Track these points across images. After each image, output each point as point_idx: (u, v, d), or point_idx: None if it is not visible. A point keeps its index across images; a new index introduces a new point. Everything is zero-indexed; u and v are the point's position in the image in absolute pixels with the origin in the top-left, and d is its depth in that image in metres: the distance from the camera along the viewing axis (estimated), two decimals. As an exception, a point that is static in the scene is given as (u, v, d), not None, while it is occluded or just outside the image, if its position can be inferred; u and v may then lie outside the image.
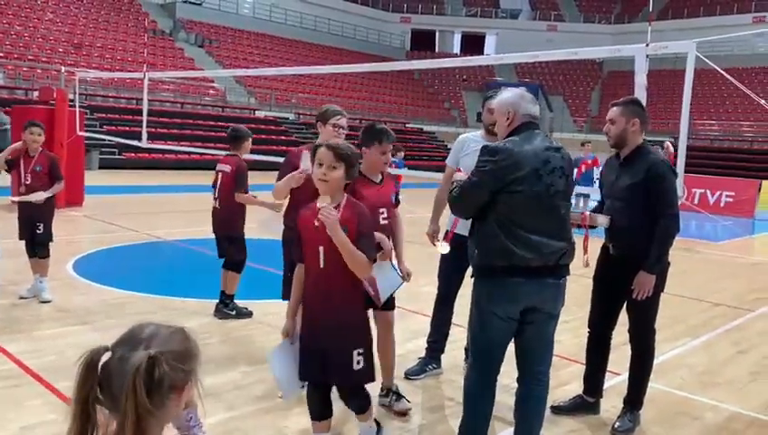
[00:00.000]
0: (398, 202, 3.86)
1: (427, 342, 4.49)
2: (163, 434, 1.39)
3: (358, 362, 2.90)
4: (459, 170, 3.46)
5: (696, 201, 16.38)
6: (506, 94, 3.14)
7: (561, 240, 2.96)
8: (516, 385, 3.19)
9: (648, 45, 4.25)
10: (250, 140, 5.68)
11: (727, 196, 17.43)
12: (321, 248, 2.87)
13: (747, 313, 6.73)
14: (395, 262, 3.66)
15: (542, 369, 3.13)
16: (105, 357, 1.35)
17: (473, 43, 44.56)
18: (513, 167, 2.87)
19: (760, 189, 17.61)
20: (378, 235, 3.56)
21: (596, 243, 3.84)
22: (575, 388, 4.10)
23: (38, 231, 5.64)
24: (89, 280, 6.44)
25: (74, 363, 1.36)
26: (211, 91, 28.90)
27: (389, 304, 3.73)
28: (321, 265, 2.89)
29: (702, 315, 6.52)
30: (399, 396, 3.82)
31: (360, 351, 2.92)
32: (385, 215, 3.63)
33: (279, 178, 4.09)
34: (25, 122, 5.81)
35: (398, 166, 12.16)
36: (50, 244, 5.75)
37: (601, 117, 36.94)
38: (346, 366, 2.90)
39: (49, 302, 5.57)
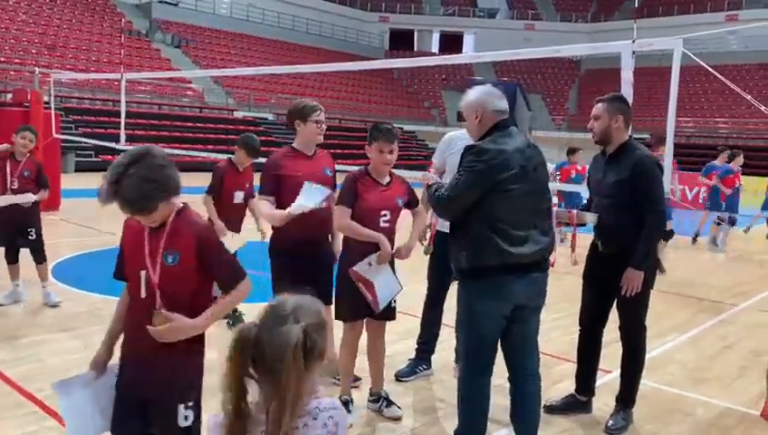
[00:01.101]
0: (415, 203, 3.74)
1: (417, 343, 4.44)
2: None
3: (185, 418, 2.24)
4: (431, 170, 3.42)
5: (675, 197, 16.53)
6: (472, 94, 3.12)
7: (546, 235, 3.00)
8: (508, 384, 3.16)
9: (634, 42, 4.25)
10: (244, 151, 5.19)
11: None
12: (143, 274, 2.25)
13: (731, 307, 6.78)
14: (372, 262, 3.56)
15: (532, 363, 3.13)
16: (254, 333, 1.50)
17: (451, 43, 44.62)
18: (503, 166, 2.87)
19: (737, 185, 17.79)
20: (377, 235, 3.49)
21: (585, 240, 3.82)
22: (567, 386, 4.08)
23: (30, 238, 5.62)
24: (68, 285, 6.29)
25: (228, 339, 1.50)
26: (189, 93, 28.60)
27: (390, 314, 3.64)
28: (143, 295, 2.24)
29: (688, 311, 6.56)
30: (390, 402, 3.75)
31: (189, 404, 2.26)
32: (387, 217, 3.55)
33: (263, 191, 3.84)
34: (20, 126, 5.83)
35: None
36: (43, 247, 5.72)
37: (579, 115, 37.18)
38: (169, 424, 2.23)
39: (58, 305, 5.54)
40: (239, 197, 5.22)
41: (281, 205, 3.74)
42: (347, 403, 3.65)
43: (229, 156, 5.36)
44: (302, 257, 3.71)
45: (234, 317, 5.25)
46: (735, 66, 35.07)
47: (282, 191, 3.75)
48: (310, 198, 3.55)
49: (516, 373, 3.12)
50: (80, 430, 2.33)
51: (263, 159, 5.12)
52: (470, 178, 2.87)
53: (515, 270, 2.90)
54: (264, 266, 3.91)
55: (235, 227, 5.22)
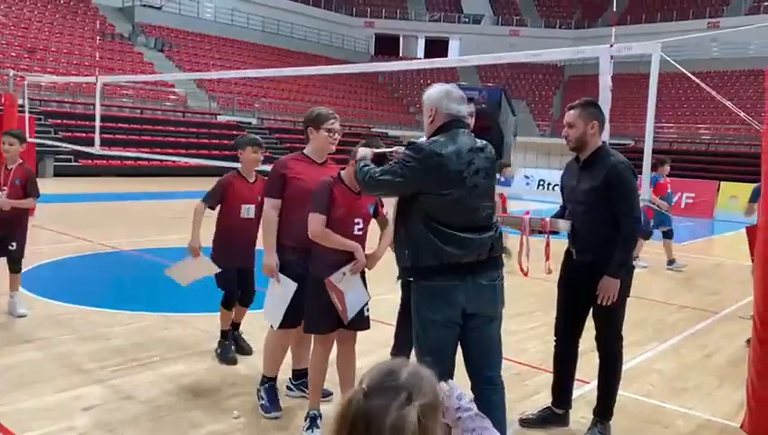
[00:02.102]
0: (376, 214, 3.67)
1: (391, 355, 4.32)
2: None
3: None
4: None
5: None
6: (431, 90, 3.03)
7: (487, 231, 2.91)
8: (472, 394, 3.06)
9: (612, 46, 4.18)
10: (249, 148, 4.59)
11: (688, 197, 17.72)
12: None
13: (712, 315, 6.73)
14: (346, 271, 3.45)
15: (493, 374, 3.03)
16: (362, 402, 1.26)
17: (436, 48, 44.64)
18: (435, 169, 2.82)
19: (719, 190, 17.94)
20: (352, 243, 3.41)
21: (560, 246, 3.73)
22: (544, 398, 3.99)
23: (11, 248, 5.45)
24: (35, 294, 6.08)
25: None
26: (171, 97, 28.33)
27: (363, 324, 3.55)
28: None
29: (668, 319, 6.49)
30: None
31: None
32: (360, 226, 3.49)
33: (268, 193, 3.70)
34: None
35: (507, 185, 10.70)
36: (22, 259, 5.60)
37: (562, 121, 37.12)
38: None
39: (24, 316, 5.34)
40: (249, 211, 4.52)
41: (284, 210, 3.66)
42: (315, 418, 3.52)
43: (236, 168, 4.73)
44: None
45: (223, 349, 4.70)
46: (717, 73, 35.43)
47: (285, 195, 3.66)
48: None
49: (477, 383, 3.03)
50: None
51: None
52: (401, 171, 2.85)
53: (456, 270, 2.83)
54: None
55: (245, 249, 4.58)
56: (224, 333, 4.72)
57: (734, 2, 39.76)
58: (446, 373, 2.94)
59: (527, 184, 21.24)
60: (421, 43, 46.49)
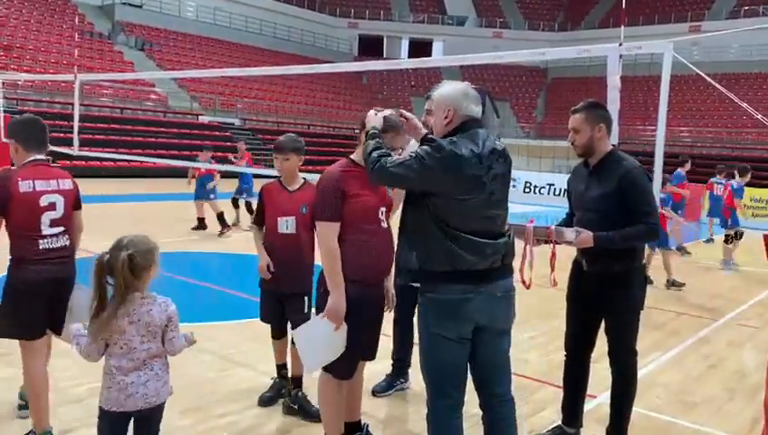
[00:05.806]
0: None
1: (392, 359, 4.18)
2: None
3: None
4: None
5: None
6: (447, 88, 2.76)
7: (501, 237, 2.70)
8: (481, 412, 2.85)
9: (621, 45, 4.01)
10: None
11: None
12: None
13: (712, 322, 6.58)
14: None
15: (503, 390, 2.82)
16: (106, 257, 2.57)
17: (420, 49, 44.51)
18: (453, 171, 2.57)
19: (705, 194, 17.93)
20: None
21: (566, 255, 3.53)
22: (551, 414, 3.80)
23: None
24: (9, 303, 5.76)
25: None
26: (152, 96, 27.86)
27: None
28: None
29: (668, 326, 6.33)
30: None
31: None
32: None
33: (326, 215, 3.03)
34: None
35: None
36: None
37: (546, 123, 36.86)
38: None
39: None
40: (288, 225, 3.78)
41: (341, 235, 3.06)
42: None
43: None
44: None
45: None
46: (700, 76, 35.66)
47: (343, 215, 3.03)
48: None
49: (485, 400, 2.82)
50: None
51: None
52: (418, 168, 2.57)
53: (469, 279, 2.60)
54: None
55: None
56: (278, 368, 4.04)
57: (715, 6, 40.14)
58: (458, 390, 2.74)
59: (513, 187, 21.10)
60: (405, 45, 46.34)
